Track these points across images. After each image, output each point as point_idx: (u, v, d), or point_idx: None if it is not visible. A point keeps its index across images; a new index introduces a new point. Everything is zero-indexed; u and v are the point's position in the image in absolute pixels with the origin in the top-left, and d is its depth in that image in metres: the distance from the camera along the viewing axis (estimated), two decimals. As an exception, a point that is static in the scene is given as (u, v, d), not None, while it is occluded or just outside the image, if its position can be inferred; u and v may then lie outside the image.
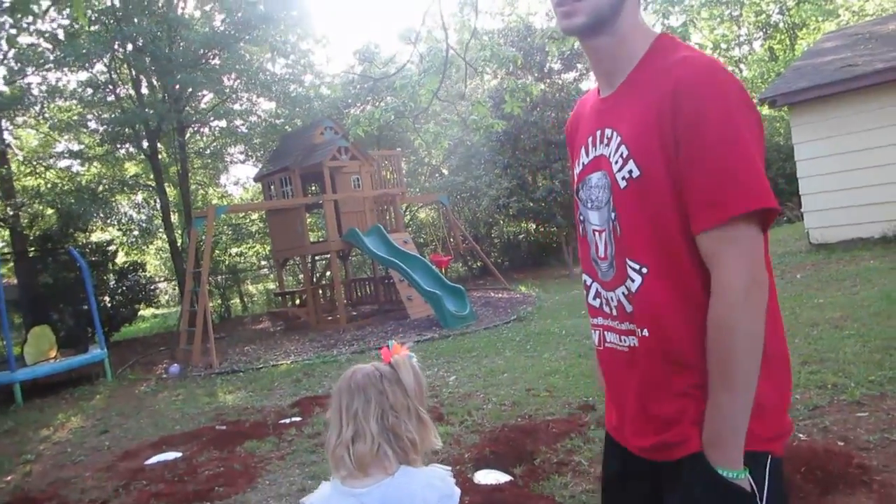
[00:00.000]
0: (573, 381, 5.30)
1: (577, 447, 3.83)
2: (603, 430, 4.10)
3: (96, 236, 15.16)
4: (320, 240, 12.96)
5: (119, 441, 5.62)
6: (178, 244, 15.00)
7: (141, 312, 15.28)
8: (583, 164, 1.42)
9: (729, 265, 1.17)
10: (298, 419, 5.39)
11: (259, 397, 6.62)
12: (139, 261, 15.68)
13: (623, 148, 1.28)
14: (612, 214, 1.32)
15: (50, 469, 5.08)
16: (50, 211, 13.46)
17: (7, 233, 12.81)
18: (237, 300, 17.02)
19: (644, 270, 1.27)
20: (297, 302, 12.86)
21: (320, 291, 12.74)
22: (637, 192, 1.26)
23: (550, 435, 4.08)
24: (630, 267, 1.29)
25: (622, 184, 1.28)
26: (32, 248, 12.38)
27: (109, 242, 14.63)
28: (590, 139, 1.39)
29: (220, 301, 15.04)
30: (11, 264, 11.88)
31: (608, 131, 1.33)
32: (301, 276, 14.80)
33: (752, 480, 1.20)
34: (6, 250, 12.64)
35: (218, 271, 14.89)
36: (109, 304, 13.25)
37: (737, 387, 1.17)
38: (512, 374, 5.93)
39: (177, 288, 15.83)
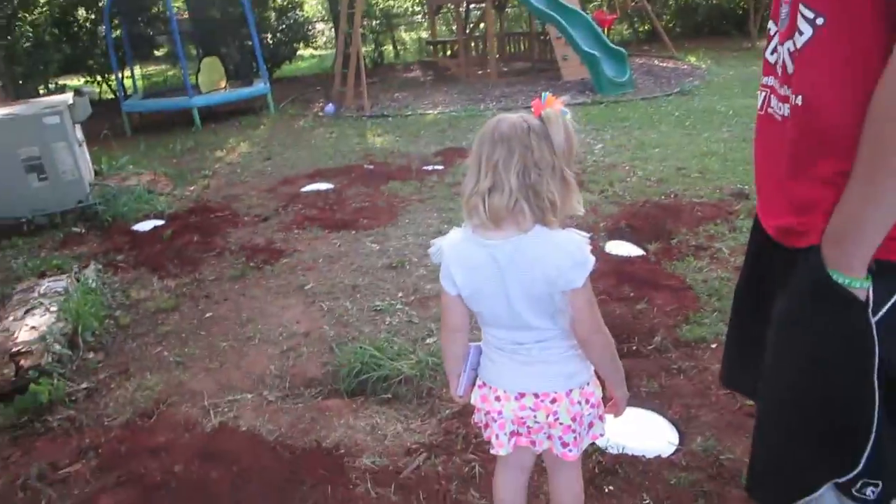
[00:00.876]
0: (731, 165, 4.89)
1: (720, 234, 3.63)
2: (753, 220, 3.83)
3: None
4: (476, -14, 12.07)
5: (279, 168, 6.13)
6: (334, -18, 14.67)
7: (300, 52, 15.68)
8: None
9: None
10: (440, 167, 5.53)
11: (405, 143, 6.81)
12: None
13: None
14: None
15: (223, 185, 5.72)
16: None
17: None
18: (389, 47, 16.86)
19: (819, 21, 1.00)
20: (448, 53, 12.53)
21: (472, 44, 12.24)
22: None
23: (694, 217, 3.88)
24: (802, 15, 1.03)
25: None
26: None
27: (268, -23, 14.57)
28: None
29: (373, 46, 15.00)
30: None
31: None
32: (454, 25, 14.20)
33: (871, 292, 1.02)
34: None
35: (371, 15, 14.60)
36: (271, 42, 13.67)
37: (878, 183, 0.95)
38: (664, 150, 5.57)
39: (333, 30, 15.89)
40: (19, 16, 9.78)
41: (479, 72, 11.38)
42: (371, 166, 5.77)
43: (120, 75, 9.74)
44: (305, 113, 9.42)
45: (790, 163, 1.11)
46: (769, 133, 1.20)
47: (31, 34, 9.70)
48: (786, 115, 1.12)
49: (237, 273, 3.64)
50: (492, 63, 10.63)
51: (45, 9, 10.51)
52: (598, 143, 5.98)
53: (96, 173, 5.97)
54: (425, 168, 5.54)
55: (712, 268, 3.23)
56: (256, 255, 3.88)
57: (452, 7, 11.66)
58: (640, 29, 15.69)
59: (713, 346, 2.57)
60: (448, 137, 6.86)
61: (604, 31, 13.40)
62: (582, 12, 9.63)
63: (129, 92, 10.14)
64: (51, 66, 10.21)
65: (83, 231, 4.70)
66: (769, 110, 1.20)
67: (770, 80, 1.20)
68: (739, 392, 1.78)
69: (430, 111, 8.50)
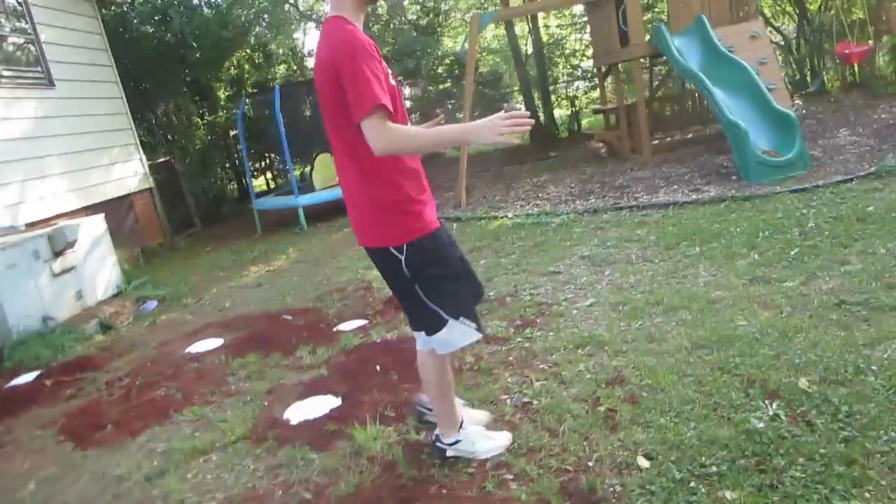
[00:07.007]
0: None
1: None
2: None
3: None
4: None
5: (247, 301, 5.40)
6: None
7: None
8: None
9: None
10: (360, 324, 4.19)
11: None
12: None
13: None
14: None
15: (172, 323, 5.16)
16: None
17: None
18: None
19: None
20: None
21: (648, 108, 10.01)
22: None
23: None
24: None
25: None
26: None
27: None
28: None
29: (569, 112, 13.49)
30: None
31: None
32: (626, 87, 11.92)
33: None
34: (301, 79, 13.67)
35: (556, 78, 13.13)
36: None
37: None
38: (650, 320, 3.31)
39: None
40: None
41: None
42: (289, 317, 4.63)
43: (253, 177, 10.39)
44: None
45: None
46: None
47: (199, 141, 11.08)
48: None
49: None
50: (644, 136, 8.43)
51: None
52: (588, 298, 3.90)
53: (119, 293, 6.11)
54: (342, 328, 4.22)
55: None
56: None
57: (618, 67, 9.70)
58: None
59: None
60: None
61: (853, 69, 9.99)
62: (744, 63, 6.95)
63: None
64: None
65: (-17, 382, 4.58)
66: None
67: None
68: None
69: (510, 213, 6.89)
